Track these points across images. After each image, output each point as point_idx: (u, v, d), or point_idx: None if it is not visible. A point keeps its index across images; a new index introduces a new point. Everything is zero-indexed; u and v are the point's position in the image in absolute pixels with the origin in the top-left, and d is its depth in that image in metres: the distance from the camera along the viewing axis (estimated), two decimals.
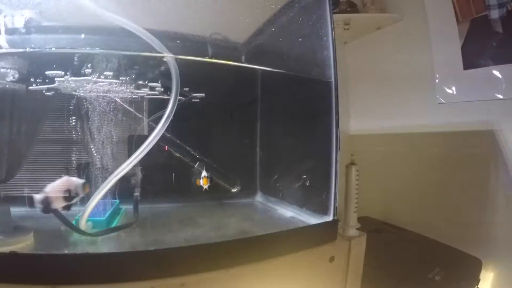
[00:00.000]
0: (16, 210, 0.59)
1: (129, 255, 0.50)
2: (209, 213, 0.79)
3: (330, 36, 0.69)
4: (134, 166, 0.58)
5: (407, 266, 0.83)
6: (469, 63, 1.00)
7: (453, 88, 1.05)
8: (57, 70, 0.59)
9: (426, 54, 1.10)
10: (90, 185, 0.62)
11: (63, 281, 0.45)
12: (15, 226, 0.56)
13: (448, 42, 1.03)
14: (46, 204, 0.52)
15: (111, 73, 0.61)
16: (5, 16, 0.57)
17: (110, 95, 0.65)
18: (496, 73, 0.94)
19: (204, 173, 0.74)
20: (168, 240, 0.61)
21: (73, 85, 0.61)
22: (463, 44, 1.01)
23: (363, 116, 1.39)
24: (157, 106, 0.71)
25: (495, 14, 0.92)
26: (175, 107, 0.58)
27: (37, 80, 0.61)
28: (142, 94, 0.71)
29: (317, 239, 0.63)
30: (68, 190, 0.54)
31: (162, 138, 0.58)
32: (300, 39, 0.80)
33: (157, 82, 0.68)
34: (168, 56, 0.58)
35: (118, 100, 0.68)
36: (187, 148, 0.83)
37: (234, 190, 0.89)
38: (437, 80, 1.08)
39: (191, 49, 0.72)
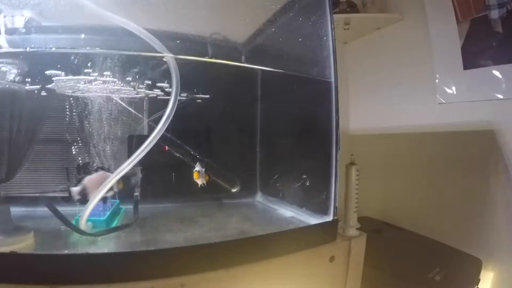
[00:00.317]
0: (16, 210, 0.59)
1: (129, 255, 0.51)
2: (209, 213, 0.79)
3: (330, 36, 0.69)
4: (134, 166, 0.58)
5: (407, 266, 0.83)
6: (469, 63, 1.00)
7: (453, 88, 1.05)
8: (58, 70, 0.59)
9: (426, 54, 1.10)
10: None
11: (63, 281, 0.45)
12: (15, 226, 0.56)
13: (448, 42, 1.03)
14: (83, 195, 0.55)
15: (109, 73, 0.61)
16: (5, 16, 0.57)
17: (112, 95, 0.66)
18: (496, 73, 0.94)
19: (197, 168, 0.72)
20: (168, 240, 0.61)
21: (82, 88, 0.61)
22: (463, 44, 1.01)
23: (363, 116, 1.39)
24: (157, 106, 0.71)
25: (495, 14, 0.92)
26: (175, 107, 0.58)
27: (36, 80, 0.61)
28: (153, 95, 0.71)
29: (317, 239, 0.63)
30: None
31: (162, 138, 0.58)
32: (300, 39, 0.80)
33: (165, 83, 0.69)
34: (168, 56, 0.58)
35: (118, 100, 0.68)
36: (187, 148, 0.83)
37: (234, 190, 0.89)
38: (437, 80, 1.08)
39: (191, 49, 0.72)
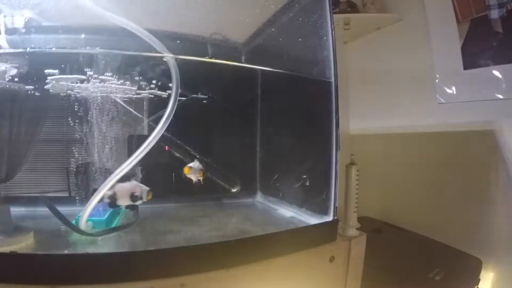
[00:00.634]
0: (16, 210, 0.59)
1: (129, 255, 0.51)
2: (209, 213, 0.79)
3: (330, 36, 0.69)
4: (134, 166, 0.58)
5: (407, 266, 0.83)
6: (469, 63, 1.00)
7: (453, 88, 1.05)
8: (57, 70, 0.59)
9: (426, 54, 1.10)
10: (90, 184, 0.62)
11: (63, 281, 0.45)
12: (15, 226, 0.56)
13: (448, 42, 1.03)
14: (113, 200, 0.57)
15: (109, 73, 0.61)
16: (5, 16, 0.57)
17: (112, 95, 0.66)
18: (496, 73, 0.94)
19: (191, 164, 0.70)
20: (168, 240, 0.61)
21: (82, 88, 0.61)
22: (463, 44, 1.01)
23: (363, 116, 1.39)
24: (157, 106, 0.71)
25: (495, 14, 0.92)
26: (175, 107, 0.58)
27: (36, 80, 0.61)
28: (159, 95, 0.71)
29: (317, 239, 0.63)
30: (134, 193, 0.59)
31: (162, 138, 0.58)
32: (300, 39, 0.80)
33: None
34: (168, 56, 0.58)
35: (118, 100, 0.68)
36: (187, 148, 0.83)
37: (234, 190, 0.89)
38: (437, 80, 1.08)
39: (191, 49, 0.72)
